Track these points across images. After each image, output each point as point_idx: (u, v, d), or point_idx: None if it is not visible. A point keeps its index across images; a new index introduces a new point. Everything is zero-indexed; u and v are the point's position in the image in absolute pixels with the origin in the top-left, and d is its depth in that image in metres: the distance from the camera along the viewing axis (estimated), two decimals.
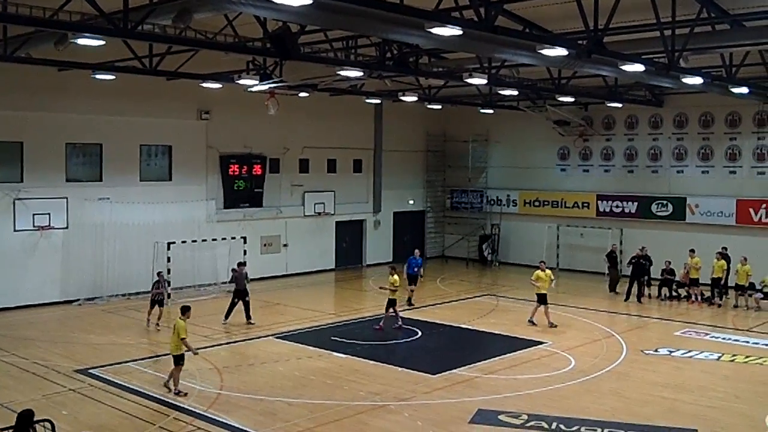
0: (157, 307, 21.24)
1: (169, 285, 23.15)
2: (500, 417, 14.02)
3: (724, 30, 18.31)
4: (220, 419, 13.73)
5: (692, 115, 29.71)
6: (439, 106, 30.88)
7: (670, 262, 26.32)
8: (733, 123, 28.82)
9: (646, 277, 26.05)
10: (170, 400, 14.74)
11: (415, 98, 27.66)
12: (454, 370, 17.10)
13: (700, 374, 17.13)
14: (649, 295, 26.28)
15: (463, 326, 21.96)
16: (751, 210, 27.92)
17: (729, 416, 14.19)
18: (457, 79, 22.83)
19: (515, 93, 25.99)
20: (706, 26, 17.96)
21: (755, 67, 22.79)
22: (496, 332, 21.20)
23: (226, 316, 21.74)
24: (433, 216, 36.74)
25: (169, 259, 24.68)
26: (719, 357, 18.64)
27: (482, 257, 34.73)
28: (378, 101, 30.44)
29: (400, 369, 17.20)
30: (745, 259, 24.63)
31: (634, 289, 25.98)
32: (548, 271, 22.43)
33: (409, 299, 24.91)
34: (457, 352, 19.05)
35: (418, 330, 21.19)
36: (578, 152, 32.86)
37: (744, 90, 22.56)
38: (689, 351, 19.14)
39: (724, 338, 20.70)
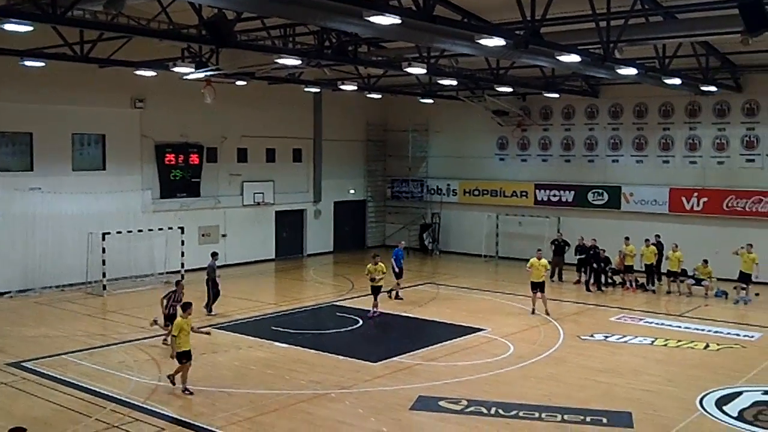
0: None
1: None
2: (440, 403, 14.12)
3: (657, 22, 18.72)
4: (159, 410, 13.53)
5: (627, 106, 30.32)
6: (379, 96, 30.86)
7: (604, 250, 26.86)
8: (666, 113, 29.49)
9: (602, 265, 26.56)
10: (106, 392, 14.45)
11: (354, 87, 27.58)
12: (394, 358, 17.15)
13: (634, 358, 17.52)
14: (586, 282, 26.79)
15: (404, 314, 22.04)
16: (684, 198, 28.65)
17: (662, 399, 14.55)
18: (397, 69, 22.84)
19: (454, 83, 26.13)
20: (640, 18, 18.31)
21: (687, 58, 23.36)
22: (437, 320, 21.34)
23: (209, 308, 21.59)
24: (373, 205, 36.77)
25: (104, 251, 24.16)
26: (653, 341, 19.10)
27: (423, 246, 34.92)
28: (317, 90, 30.26)
29: (341, 358, 17.18)
30: (677, 246, 25.25)
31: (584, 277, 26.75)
32: (543, 260, 22.49)
33: (394, 293, 24.14)
34: (397, 340, 19.14)
35: (359, 319, 21.18)
36: (516, 142, 33.24)
37: (677, 81, 23.08)
38: (624, 336, 19.57)
39: (657, 323, 21.20)
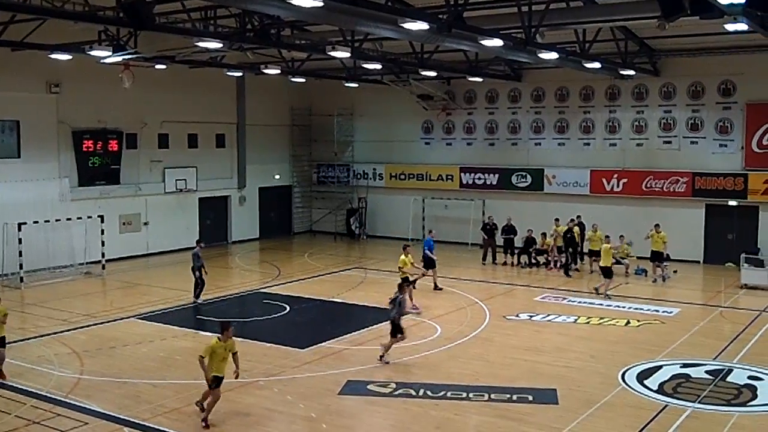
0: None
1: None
2: (369, 387, 14.16)
3: (577, 7, 19.04)
4: (81, 404, 13.14)
5: (549, 90, 30.78)
6: (303, 80, 30.58)
7: (531, 231, 27.36)
8: (586, 97, 30.06)
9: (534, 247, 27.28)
10: (26, 388, 13.95)
11: (278, 71, 27.26)
12: (323, 344, 17.09)
13: (558, 337, 17.87)
14: (512, 263, 27.24)
15: (332, 300, 21.97)
16: (604, 180, 29.31)
17: (585, 375, 14.90)
18: (321, 53, 22.67)
19: (379, 67, 26.03)
20: (561, 3, 18.58)
21: (607, 43, 23.84)
22: (365, 304, 21.33)
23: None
24: (299, 191, 36.49)
25: (20, 241, 23.32)
26: (576, 320, 19.53)
27: (350, 231, 34.86)
28: (240, 74, 29.74)
29: (268, 345, 17.02)
30: (597, 226, 25.81)
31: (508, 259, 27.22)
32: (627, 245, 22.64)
33: (435, 284, 23.25)
34: (325, 326, 19.04)
35: (286, 305, 21.00)
36: (441, 126, 33.42)
37: (597, 65, 23.51)
38: (548, 315, 19.95)
39: (580, 302, 21.69)
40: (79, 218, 25.72)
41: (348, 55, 22.05)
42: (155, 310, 20.33)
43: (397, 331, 16.01)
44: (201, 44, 20.18)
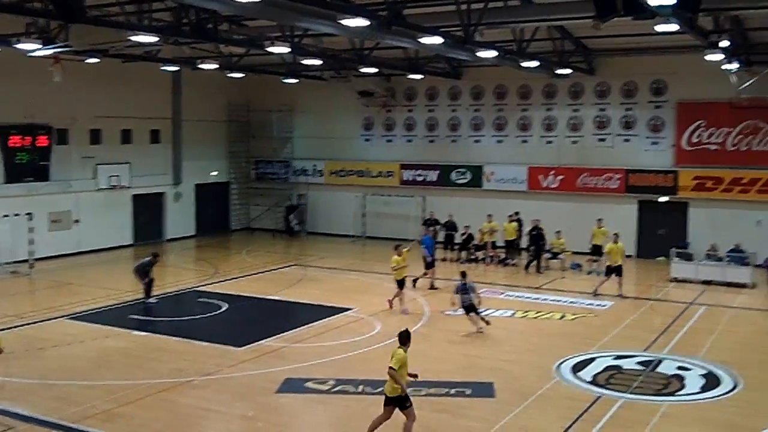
0: None
1: None
2: (307, 384, 14.04)
3: (515, 6, 19.25)
4: (6, 409, 12.68)
5: (488, 88, 31.04)
6: (241, 75, 30.17)
7: (468, 227, 27.57)
8: (524, 95, 30.42)
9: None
10: None
11: (215, 66, 26.84)
12: (260, 342, 16.89)
13: (496, 331, 18.01)
14: (452, 259, 27.41)
15: (270, 297, 21.75)
16: (541, 176, 29.72)
17: (521, 368, 15.06)
18: (259, 48, 22.40)
19: (319, 63, 25.89)
20: (499, 2, 18.75)
21: (544, 42, 24.16)
22: (304, 301, 21.17)
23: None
24: (237, 187, 36.04)
25: None
26: (513, 314, 19.75)
27: (289, 228, 34.60)
28: (176, 69, 29.15)
29: (204, 344, 16.74)
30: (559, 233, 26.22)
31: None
32: (620, 244, 22.16)
33: (421, 281, 22.82)
34: (263, 324, 18.84)
35: (222, 303, 20.70)
36: (382, 122, 33.42)
37: (534, 64, 23.82)
38: (486, 309, 19.99)
39: (518, 296, 21.94)
40: (6, 216, 24.84)
41: (287, 50, 21.86)
42: (86, 310, 19.80)
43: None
44: (134, 38, 19.73)
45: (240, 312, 20.21)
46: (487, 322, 17.93)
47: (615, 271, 21.73)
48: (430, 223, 28.59)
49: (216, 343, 16.77)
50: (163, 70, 28.88)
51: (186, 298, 21.91)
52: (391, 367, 10.90)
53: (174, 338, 17.20)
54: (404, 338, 11.32)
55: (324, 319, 18.97)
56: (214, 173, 34.77)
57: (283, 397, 13.53)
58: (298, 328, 18.11)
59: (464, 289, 17.80)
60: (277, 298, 21.73)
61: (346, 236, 33.10)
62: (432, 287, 22.59)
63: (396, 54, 26.78)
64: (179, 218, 33.07)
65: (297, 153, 35.11)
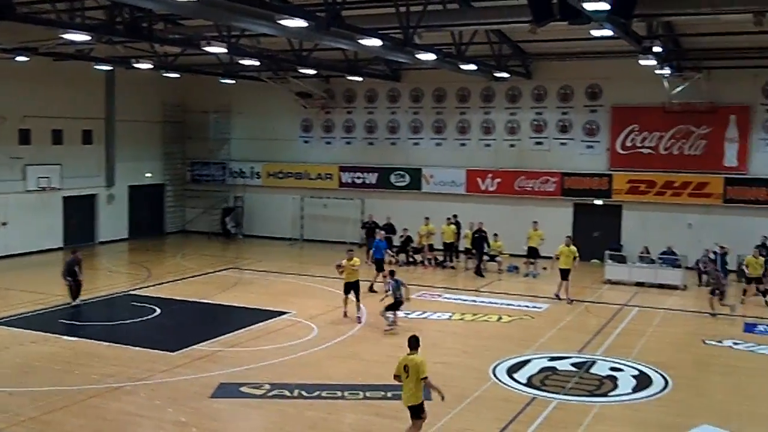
0: None
1: None
2: (242, 389, 13.83)
3: (454, 9, 19.31)
4: None
5: (427, 90, 31.15)
6: (177, 75, 29.65)
7: (407, 230, 27.59)
8: (463, 98, 30.61)
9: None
10: None
11: (150, 66, 26.32)
12: (194, 346, 16.57)
13: (433, 333, 18.02)
14: (390, 261, 27.30)
15: (205, 301, 21.37)
16: (479, 179, 29.94)
17: (458, 370, 15.09)
18: (195, 48, 21.99)
19: (257, 63, 25.59)
20: (438, 5, 18.80)
21: (482, 45, 24.34)
22: (240, 305, 20.87)
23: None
24: (172, 189, 35.38)
25: None
26: (450, 316, 19.81)
27: (225, 231, 34.13)
28: (109, 68, 28.50)
29: (136, 349, 16.33)
30: (473, 224, 26.34)
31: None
32: (573, 247, 22.12)
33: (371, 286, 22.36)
34: (198, 328, 18.53)
35: (156, 307, 20.24)
36: (321, 124, 33.24)
37: (472, 67, 23.98)
38: (424, 312, 20.13)
39: (455, 299, 22.04)
40: None
41: (224, 50, 21.51)
42: (13, 315, 19.12)
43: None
44: (66, 36, 19.21)
45: (174, 316, 19.82)
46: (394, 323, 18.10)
47: (562, 274, 21.84)
48: (368, 226, 28.54)
49: (148, 347, 16.38)
50: (96, 69, 28.17)
51: (118, 302, 21.37)
52: (425, 377, 10.83)
53: (105, 343, 16.74)
54: (416, 343, 11.21)
55: (260, 323, 18.72)
56: (149, 175, 34.07)
57: (217, 402, 13.28)
58: (234, 332, 17.83)
59: (397, 287, 18.13)
60: (212, 301, 21.36)
61: (283, 239, 32.82)
62: (371, 289, 22.43)
63: (335, 56, 26.69)
64: (112, 221, 32.28)
65: (234, 155, 34.67)
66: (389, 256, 24.29)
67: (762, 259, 22.04)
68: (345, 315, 19.13)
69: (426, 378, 10.79)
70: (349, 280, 19.17)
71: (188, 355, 16.01)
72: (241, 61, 25.38)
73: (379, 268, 22.72)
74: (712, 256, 24.31)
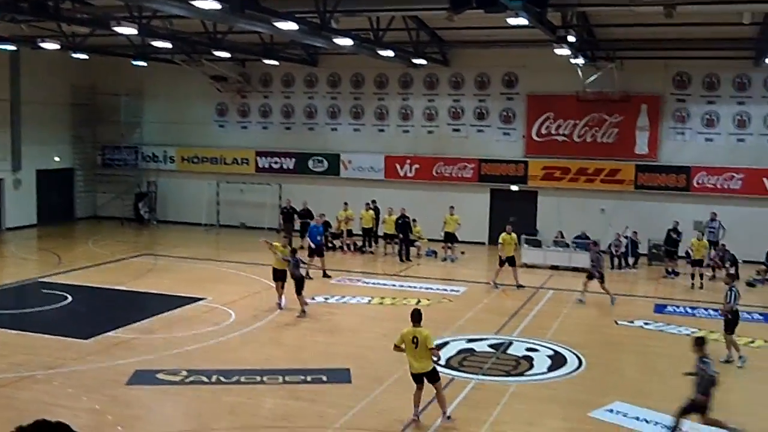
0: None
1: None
2: (158, 376, 13.56)
3: None
4: None
5: (345, 76, 31.03)
6: (86, 56, 28.62)
7: (323, 215, 27.43)
8: (381, 84, 30.63)
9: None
10: None
11: (57, 46, 25.31)
12: (108, 333, 16.16)
13: (352, 318, 18.08)
14: (309, 246, 27.16)
15: (119, 288, 20.84)
16: (398, 165, 30.07)
17: (377, 354, 15.11)
18: (105, 28, 21.27)
19: (169, 46, 24.91)
20: None
21: (400, 32, 24.33)
22: (155, 292, 20.44)
23: None
24: (83, 174, 34.25)
25: None
26: (370, 300, 19.88)
27: (139, 216, 33.31)
28: (13, 48, 27.28)
29: (47, 336, 15.84)
30: (392, 210, 26.50)
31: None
32: (513, 235, 22.01)
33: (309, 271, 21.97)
34: (111, 315, 18.03)
35: (67, 295, 19.60)
36: (236, 109, 32.74)
37: (390, 53, 23.99)
38: (343, 297, 20.14)
39: (374, 283, 22.12)
40: None
41: (135, 32, 20.90)
42: None
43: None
44: None
45: (86, 303, 19.28)
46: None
47: (508, 261, 21.95)
48: (286, 211, 28.32)
49: (60, 335, 15.93)
50: (0, 49, 26.95)
51: (27, 289, 20.66)
52: (433, 348, 11.74)
53: (13, 331, 16.18)
54: (419, 317, 11.91)
55: (176, 310, 18.38)
56: (57, 159, 32.89)
57: (133, 389, 13.01)
58: (149, 319, 17.47)
59: (296, 265, 18.19)
60: (126, 288, 20.85)
61: (198, 225, 32.25)
62: (307, 275, 22.21)
63: (251, 39, 26.28)
64: (19, 206, 31.03)
65: (147, 139, 33.80)
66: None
67: (706, 241, 22.73)
68: (280, 307, 18.49)
69: (434, 348, 11.78)
70: (278, 267, 18.77)
71: (102, 342, 15.59)
72: (153, 43, 24.71)
73: (318, 254, 22.64)
74: (623, 239, 25.18)
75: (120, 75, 32.67)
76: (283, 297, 18.76)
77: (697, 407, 10.81)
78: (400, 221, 26.16)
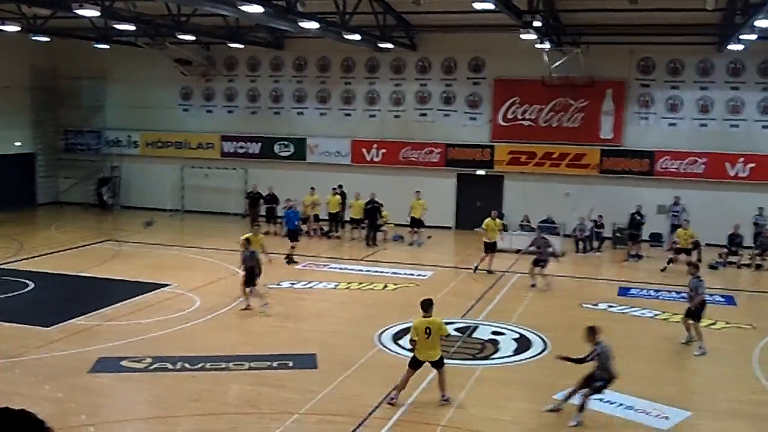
0: None
1: None
2: (123, 363, 13.41)
3: None
4: None
5: (311, 59, 30.80)
6: (48, 39, 28.08)
7: (289, 200, 27.32)
8: (347, 68, 30.46)
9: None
10: None
11: (17, 28, 24.78)
12: (71, 321, 15.93)
13: (318, 303, 18.04)
14: (275, 232, 27.10)
15: (82, 274, 20.55)
16: (364, 150, 29.98)
17: (344, 338, 15.16)
18: (66, 10, 20.84)
19: (133, 28, 24.53)
20: None
21: (367, 15, 24.19)
22: (119, 278, 20.19)
23: None
24: (44, 159, 33.66)
25: None
26: (336, 285, 19.84)
27: (102, 201, 32.88)
28: None
29: (7, 325, 15.58)
30: (359, 194, 26.45)
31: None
32: (498, 221, 21.87)
33: (289, 257, 22.27)
34: (74, 302, 17.75)
35: (29, 282, 19.29)
36: (201, 92, 32.37)
37: (357, 37, 23.83)
38: (309, 282, 20.08)
39: (341, 268, 22.09)
40: None
41: (97, 14, 20.53)
42: None
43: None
44: None
45: (48, 290, 18.96)
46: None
47: (490, 247, 21.97)
48: (253, 196, 28.14)
49: (22, 323, 15.67)
50: None
51: None
52: (444, 336, 12.05)
53: None
54: (430, 305, 12.03)
55: (140, 296, 18.18)
56: (18, 144, 32.25)
57: (96, 376, 12.85)
58: (113, 306, 17.25)
59: (251, 257, 17.27)
60: (89, 275, 20.57)
61: (163, 210, 31.91)
62: (290, 260, 22.19)
63: (215, 22, 25.98)
64: None
65: (110, 123, 33.29)
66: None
67: (691, 230, 22.93)
68: (248, 307, 17.18)
69: (449, 335, 12.22)
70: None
71: (65, 330, 15.38)
72: (116, 26, 24.27)
73: (293, 238, 22.58)
74: (588, 223, 25.41)
75: (82, 58, 32.10)
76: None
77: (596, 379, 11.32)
78: (369, 206, 26.11)
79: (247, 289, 17.13)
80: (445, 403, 11.83)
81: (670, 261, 22.77)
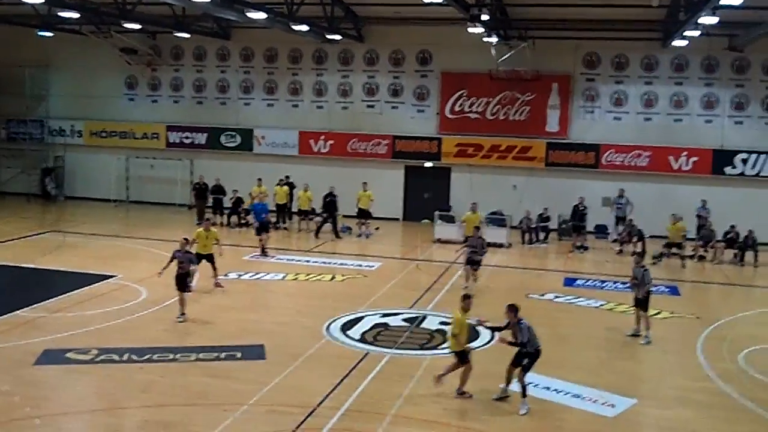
0: None
1: None
2: (68, 355, 13.25)
3: None
4: None
5: (258, 50, 30.64)
6: None
7: (237, 191, 27.24)
8: (295, 59, 30.37)
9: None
10: None
11: None
12: (14, 312, 15.65)
13: (267, 294, 18.04)
14: (221, 223, 26.92)
15: (25, 266, 20.16)
16: (312, 141, 29.96)
17: (292, 329, 15.20)
18: None
19: (77, 16, 24.08)
20: None
21: (315, 6, 24.17)
22: (63, 269, 19.88)
23: None
24: None
25: None
26: (284, 277, 19.84)
27: (45, 192, 32.25)
28: None
29: None
30: (308, 186, 26.47)
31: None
32: (478, 213, 21.83)
33: (263, 249, 22.19)
34: (17, 294, 17.42)
35: None
36: (146, 82, 31.93)
37: (304, 28, 23.83)
38: (257, 273, 20.05)
39: (288, 259, 22.08)
40: None
41: (41, 0, 20.09)
42: None
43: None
44: None
45: None
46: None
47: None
48: (200, 187, 27.88)
49: None
50: None
51: None
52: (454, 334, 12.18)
53: None
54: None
55: (85, 287, 17.92)
56: None
57: (41, 369, 12.67)
58: (57, 297, 16.98)
59: (189, 261, 15.98)
60: (32, 266, 20.19)
61: (107, 201, 31.44)
62: (263, 252, 22.14)
63: (162, 11, 25.66)
64: None
65: (53, 112, 32.65)
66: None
67: (680, 224, 23.30)
68: (182, 314, 15.78)
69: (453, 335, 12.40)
70: (203, 252, 17.94)
71: (8, 321, 15.10)
72: (59, 13, 23.83)
73: (264, 230, 22.50)
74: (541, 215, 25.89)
75: (24, 46, 31.40)
76: (218, 276, 18.35)
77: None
78: (328, 199, 26.14)
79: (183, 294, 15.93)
80: (460, 397, 12.14)
81: (662, 255, 23.17)
